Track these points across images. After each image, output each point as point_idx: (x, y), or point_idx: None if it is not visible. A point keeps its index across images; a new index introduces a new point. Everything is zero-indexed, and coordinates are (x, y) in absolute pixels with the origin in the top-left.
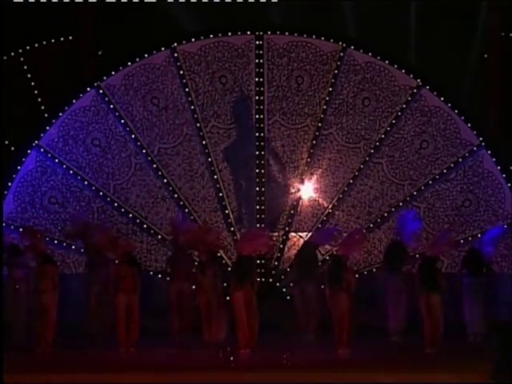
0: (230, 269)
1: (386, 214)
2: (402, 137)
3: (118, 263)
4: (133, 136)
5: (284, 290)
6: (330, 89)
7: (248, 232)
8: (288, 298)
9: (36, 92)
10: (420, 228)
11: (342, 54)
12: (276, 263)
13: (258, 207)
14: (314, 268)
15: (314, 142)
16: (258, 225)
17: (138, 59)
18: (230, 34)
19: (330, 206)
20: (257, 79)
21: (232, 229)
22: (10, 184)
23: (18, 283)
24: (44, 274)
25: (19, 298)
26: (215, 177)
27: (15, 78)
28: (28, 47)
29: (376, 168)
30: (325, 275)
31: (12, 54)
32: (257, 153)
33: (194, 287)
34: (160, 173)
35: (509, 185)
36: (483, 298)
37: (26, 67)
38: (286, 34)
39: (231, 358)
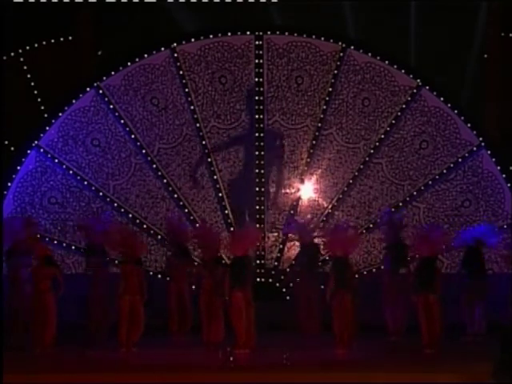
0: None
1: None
2: (401, 137)
3: (124, 263)
4: (132, 136)
5: (284, 289)
6: (330, 89)
7: (238, 232)
8: (288, 298)
9: (36, 92)
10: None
11: (341, 54)
12: (276, 263)
13: (257, 207)
14: (316, 268)
15: (314, 142)
16: (257, 225)
17: (137, 59)
18: (229, 34)
19: (330, 206)
20: (256, 79)
21: (232, 229)
22: (9, 184)
23: (21, 283)
24: (44, 274)
25: (22, 298)
26: (215, 177)
27: (15, 78)
28: (28, 47)
29: (376, 168)
30: (327, 275)
31: (12, 54)
32: (256, 153)
33: (193, 287)
34: (160, 173)
35: (508, 185)
36: (483, 299)
37: (25, 67)
38: (286, 34)
39: (231, 358)
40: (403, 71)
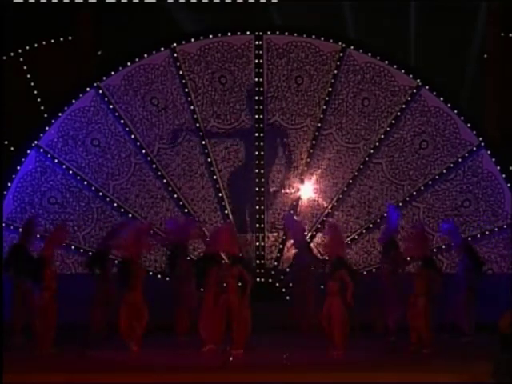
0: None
1: (385, 215)
2: (401, 137)
3: (138, 263)
4: (132, 136)
5: (284, 289)
6: (330, 89)
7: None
8: (288, 298)
9: (36, 92)
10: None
11: (341, 54)
12: (276, 263)
13: (257, 207)
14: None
15: (314, 142)
16: (257, 225)
17: (137, 59)
18: (229, 34)
19: (330, 206)
20: (256, 79)
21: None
22: (9, 184)
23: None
24: (53, 274)
25: (27, 299)
26: (214, 177)
27: (15, 78)
28: (28, 47)
29: (376, 168)
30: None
31: (12, 54)
32: (256, 153)
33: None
34: (159, 173)
35: (508, 185)
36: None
37: (25, 67)
38: (286, 34)
39: (230, 358)
40: (403, 71)
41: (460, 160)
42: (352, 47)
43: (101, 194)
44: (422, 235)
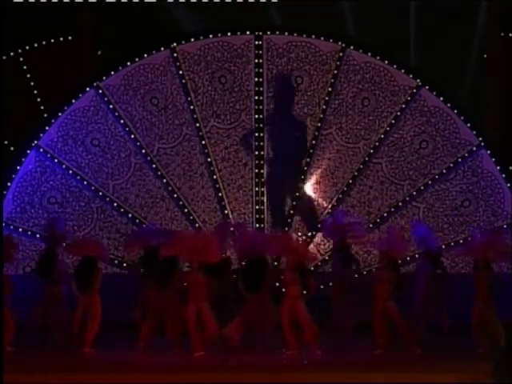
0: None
1: (385, 214)
2: (401, 137)
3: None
4: (132, 136)
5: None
6: (330, 89)
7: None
8: None
9: (36, 92)
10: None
11: (341, 54)
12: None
13: (257, 207)
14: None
15: (314, 142)
16: (257, 225)
17: (137, 59)
18: (229, 34)
19: (330, 206)
20: (256, 79)
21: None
22: (9, 184)
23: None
24: None
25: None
26: (214, 177)
27: (15, 78)
28: (28, 47)
29: (375, 168)
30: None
31: (12, 54)
32: (256, 153)
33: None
34: (159, 173)
35: (508, 185)
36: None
37: (25, 67)
38: (286, 34)
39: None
40: (403, 71)
41: (460, 160)
42: (352, 47)
43: (101, 193)
44: (403, 237)
